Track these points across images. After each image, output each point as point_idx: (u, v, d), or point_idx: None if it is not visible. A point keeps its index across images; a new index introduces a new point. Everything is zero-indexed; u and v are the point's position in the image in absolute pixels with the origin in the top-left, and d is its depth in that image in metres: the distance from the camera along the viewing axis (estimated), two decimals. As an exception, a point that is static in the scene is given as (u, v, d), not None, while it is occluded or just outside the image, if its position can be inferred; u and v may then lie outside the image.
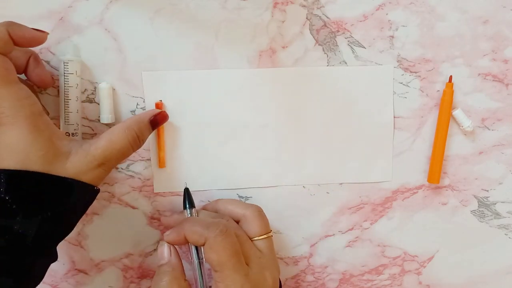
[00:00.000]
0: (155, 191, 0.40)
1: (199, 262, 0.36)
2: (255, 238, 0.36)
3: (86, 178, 0.31)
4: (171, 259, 0.35)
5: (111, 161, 0.33)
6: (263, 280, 0.34)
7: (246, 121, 0.39)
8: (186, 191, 0.38)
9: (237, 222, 0.37)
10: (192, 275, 0.36)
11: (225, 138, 0.39)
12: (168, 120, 0.38)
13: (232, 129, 0.39)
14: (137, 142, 0.34)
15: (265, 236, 0.36)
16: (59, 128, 0.38)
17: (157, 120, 0.36)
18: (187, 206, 0.37)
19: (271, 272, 0.36)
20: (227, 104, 0.39)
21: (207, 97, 0.38)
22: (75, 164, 0.31)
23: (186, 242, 0.34)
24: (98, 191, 0.33)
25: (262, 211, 0.37)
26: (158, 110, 0.37)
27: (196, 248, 0.35)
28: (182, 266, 0.35)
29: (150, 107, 0.38)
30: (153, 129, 0.36)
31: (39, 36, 0.32)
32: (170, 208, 0.41)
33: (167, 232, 0.35)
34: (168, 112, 0.38)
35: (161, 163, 0.39)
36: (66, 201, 0.31)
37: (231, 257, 0.32)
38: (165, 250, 0.35)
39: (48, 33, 0.32)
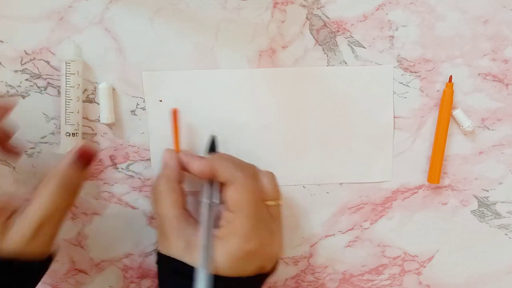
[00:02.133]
0: None
1: (210, 204, 0.35)
2: (268, 202, 0.35)
3: (27, 250, 0.30)
4: (170, 162, 0.36)
5: (49, 224, 0.31)
6: (269, 243, 0.34)
7: (246, 121, 0.39)
8: (213, 138, 0.37)
9: None
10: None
11: (224, 138, 0.39)
12: (167, 120, 0.38)
13: (231, 129, 0.39)
14: (69, 195, 0.32)
15: (275, 203, 0.35)
16: (59, 128, 0.38)
17: (83, 162, 0.33)
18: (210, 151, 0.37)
19: (279, 241, 0.35)
20: (227, 104, 0.39)
21: (207, 97, 0.38)
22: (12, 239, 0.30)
23: (210, 177, 0.34)
24: (48, 260, 0.32)
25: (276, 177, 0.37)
26: (76, 152, 0.33)
27: (211, 190, 0.35)
28: (179, 172, 0.36)
29: (151, 107, 0.38)
30: (83, 169, 0.33)
31: (6, 106, 0.32)
32: (170, 208, 0.41)
33: (195, 162, 0.35)
34: (168, 111, 0.38)
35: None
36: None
37: (250, 203, 0.32)
38: (168, 155, 0.36)
39: (15, 101, 0.33)
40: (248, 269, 0.33)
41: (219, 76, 0.38)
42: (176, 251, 0.33)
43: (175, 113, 0.37)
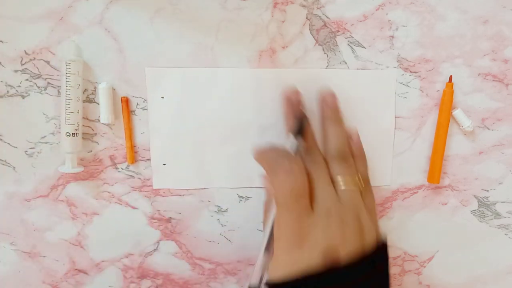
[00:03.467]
0: (154, 187, 0.40)
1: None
2: (340, 178, 0.33)
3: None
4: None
5: None
6: (322, 228, 0.31)
7: (247, 121, 0.39)
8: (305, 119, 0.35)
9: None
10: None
11: (225, 137, 0.39)
12: (169, 118, 0.38)
13: (233, 128, 0.39)
14: None
15: (350, 178, 0.34)
16: (59, 128, 0.38)
17: None
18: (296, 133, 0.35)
19: (349, 227, 0.31)
20: (228, 103, 0.39)
21: (209, 95, 0.38)
22: None
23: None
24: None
25: None
26: None
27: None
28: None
29: (152, 103, 0.38)
30: None
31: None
32: (170, 208, 0.41)
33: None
34: (169, 109, 0.38)
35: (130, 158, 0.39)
36: None
37: (288, 195, 0.30)
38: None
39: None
40: (308, 258, 0.30)
41: (221, 75, 0.38)
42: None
43: (126, 102, 0.38)
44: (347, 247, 0.31)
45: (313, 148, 0.36)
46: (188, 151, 0.39)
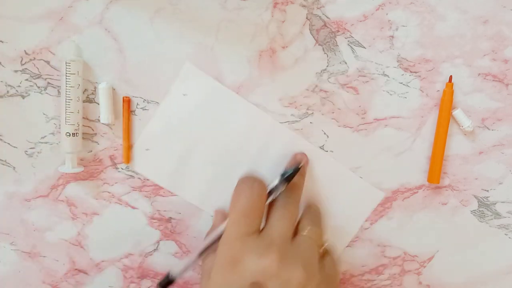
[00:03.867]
0: (134, 168, 0.40)
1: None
2: (300, 228, 0.33)
3: None
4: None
5: None
6: (261, 254, 0.29)
7: (240, 151, 0.39)
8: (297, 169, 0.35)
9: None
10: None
11: (213, 156, 0.39)
12: (176, 114, 0.38)
13: (223, 153, 0.39)
14: None
15: (311, 234, 0.33)
16: (59, 128, 0.38)
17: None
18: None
19: (287, 266, 0.29)
20: (233, 132, 0.39)
21: (220, 116, 0.39)
22: None
23: None
24: None
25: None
26: None
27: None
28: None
29: (172, 94, 0.38)
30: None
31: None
32: (170, 208, 0.41)
33: None
34: (181, 107, 0.38)
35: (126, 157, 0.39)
36: None
37: (237, 211, 0.30)
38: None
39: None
40: (237, 284, 0.29)
41: (243, 108, 0.38)
42: None
43: (128, 102, 0.38)
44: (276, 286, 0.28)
45: (294, 196, 0.35)
46: (175, 152, 0.39)
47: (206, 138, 0.39)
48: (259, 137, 0.39)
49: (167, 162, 0.39)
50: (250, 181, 0.33)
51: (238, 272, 0.29)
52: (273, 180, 0.34)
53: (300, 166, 0.35)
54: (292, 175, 0.34)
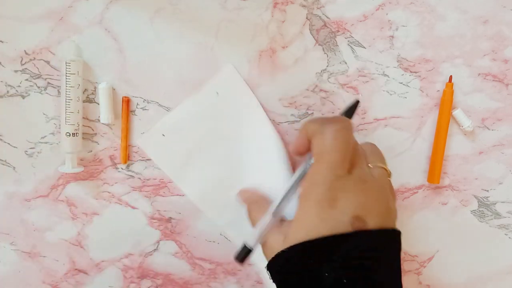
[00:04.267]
0: (146, 150, 0.40)
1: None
2: (369, 164, 0.33)
3: None
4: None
5: None
6: (360, 191, 0.30)
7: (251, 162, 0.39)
8: (356, 103, 0.34)
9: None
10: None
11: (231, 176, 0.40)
12: (202, 112, 0.39)
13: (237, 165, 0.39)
14: None
15: (381, 165, 0.33)
16: (59, 128, 0.38)
17: None
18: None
19: (379, 198, 0.31)
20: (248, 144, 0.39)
21: (239, 125, 0.39)
22: None
23: (308, 146, 0.32)
24: None
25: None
26: None
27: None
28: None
29: (204, 93, 0.38)
30: None
31: None
32: (170, 208, 0.41)
33: (293, 144, 0.33)
34: (209, 105, 0.38)
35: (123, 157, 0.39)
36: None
37: (334, 152, 0.30)
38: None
39: None
40: (338, 223, 0.29)
41: (265, 130, 0.38)
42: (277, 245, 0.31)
43: (127, 102, 0.38)
44: (374, 219, 0.30)
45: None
46: (188, 144, 0.39)
47: (222, 140, 0.39)
48: (268, 155, 0.38)
49: (178, 152, 0.39)
50: (339, 120, 0.32)
51: (338, 210, 0.30)
52: None
53: (357, 101, 0.35)
54: (353, 109, 0.34)
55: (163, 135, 0.39)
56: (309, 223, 0.30)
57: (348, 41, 0.38)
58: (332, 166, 0.30)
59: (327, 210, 0.30)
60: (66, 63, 0.36)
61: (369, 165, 0.33)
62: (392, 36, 0.38)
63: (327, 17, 0.37)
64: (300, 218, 0.31)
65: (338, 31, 0.38)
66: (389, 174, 0.34)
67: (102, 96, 0.37)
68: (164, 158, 0.39)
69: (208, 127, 0.39)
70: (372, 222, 0.30)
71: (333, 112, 0.39)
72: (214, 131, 0.39)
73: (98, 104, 0.38)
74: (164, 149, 0.39)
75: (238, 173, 0.39)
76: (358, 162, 0.32)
